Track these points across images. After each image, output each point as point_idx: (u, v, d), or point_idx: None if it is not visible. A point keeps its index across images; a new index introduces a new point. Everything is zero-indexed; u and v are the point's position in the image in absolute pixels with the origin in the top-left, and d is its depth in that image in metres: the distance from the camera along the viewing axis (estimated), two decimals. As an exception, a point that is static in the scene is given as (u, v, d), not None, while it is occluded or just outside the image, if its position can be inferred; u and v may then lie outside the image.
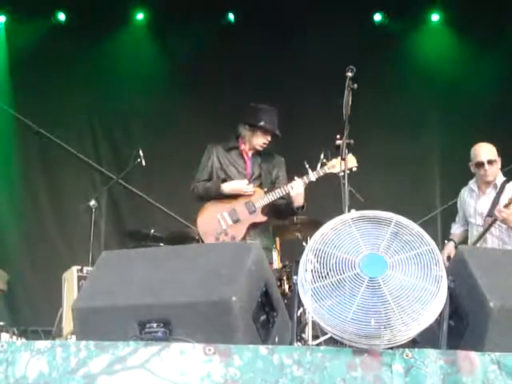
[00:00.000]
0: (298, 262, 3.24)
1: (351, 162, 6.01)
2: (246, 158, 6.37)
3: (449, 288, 3.14)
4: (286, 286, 6.94)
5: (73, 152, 9.68)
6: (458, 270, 3.52)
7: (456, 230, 6.66)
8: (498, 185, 6.28)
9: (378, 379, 2.90)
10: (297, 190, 6.10)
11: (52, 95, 9.50)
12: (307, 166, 6.13)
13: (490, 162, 6.22)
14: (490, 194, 6.32)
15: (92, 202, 8.06)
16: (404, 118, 9.53)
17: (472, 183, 6.49)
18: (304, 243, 6.96)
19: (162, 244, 7.60)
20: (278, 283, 6.94)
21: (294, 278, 3.29)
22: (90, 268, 7.16)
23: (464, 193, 6.57)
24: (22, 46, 9.59)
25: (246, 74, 9.56)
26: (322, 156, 7.35)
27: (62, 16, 9.80)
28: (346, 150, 4.91)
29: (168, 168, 9.44)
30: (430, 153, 9.76)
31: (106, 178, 9.50)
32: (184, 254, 3.94)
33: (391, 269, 3.07)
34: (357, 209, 3.77)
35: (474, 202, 6.41)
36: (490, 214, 6.18)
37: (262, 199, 6.16)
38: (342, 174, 5.86)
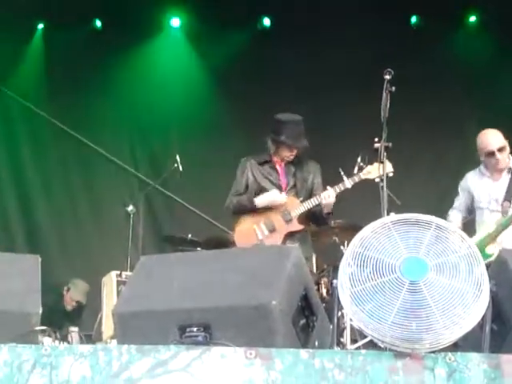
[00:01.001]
0: (335, 266, 3.23)
1: (388, 167, 5.99)
2: (279, 169, 6.38)
3: (491, 291, 3.11)
4: (324, 290, 6.92)
5: (110, 158, 9.74)
6: (499, 273, 3.49)
7: (456, 217, 6.41)
8: None
9: (421, 383, 2.88)
10: (330, 199, 6.09)
11: (89, 101, 9.57)
12: (342, 173, 6.10)
13: (501, 150, 6.13)
14: (504, 178, 6.22)
15: (130, 208, 8.11)
16: (442, 120, 9.45)
17: (482, 168, 6.37)
18: (342, 247, 6.93)
19: (199, 249, 7.60)
20: (316, 287, 6.94)
21: (334, 281, 3.28)
22: (128, 273, 7.19)
23: (473, 178, 6.40)
24: (59, 52, 9.65)
25: (282, 78, 9.56)
26: (359, 160, 7.33)
27: (98, 23, 9.88)
28: (385, 153, 4.88)
29: (205, 173, 9.46)
30: (470, 154, 9.66)
31: (144, 183, 9.55)
32: (223, 258, 3.95)
33: (432, 272, 3.05)
34: (395, 212, 3.76)
35: (487, 187, 6.28)
36: (508, 198, 6.09)
37: (298, 208, 6.15)
38: (378, 180, 5.87)
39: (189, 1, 9.93)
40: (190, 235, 7.97)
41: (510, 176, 6.20)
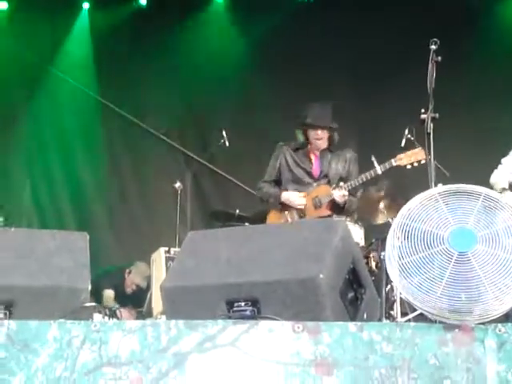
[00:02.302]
0: (384, 239, 3.20)
1: (420, 155, 6.00)
2: (313, 157, 6.42)
3: (541, 261, 3.07)
4: (373, 264, 6.89)
5: (157, 134, 9.78)
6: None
7: (502, 179, 6.32)
8: None
9: (471, 355, 2.86)
10: (342, 199, 6.16)
11: (136, 79, 9.60)
12: (373, 159, 6.09)
13: None
14: None
15: (177, 184, 8.14)
16: (492, 91, 9.31)
17: None
18: (390, 219, 6.89)
19: (247, 224, 7.60)
20: (365, 260, 6.91)
21: (382, 254, 3.27)
22: (177, 249, 7.22)
23: None
24: (105, 32, 9.69)
25: (324, 54, 9.49)
26: (406, 132, 7.28)
27: (143, 1, 9.90)
28: (432, 124, 4.82)
29: (251, 148, 9.43)
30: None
31: (191, 159, 9.58)
32: (270, 233, 3.95)
33: (481, 243, 3.02)
34: (443, 183, 3.72)
35: None
36: None
37: (329, 195, 6.21)
38: (410, 167, 5.89)
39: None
40: (237, 210, 7.99)
41: None
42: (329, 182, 6.32)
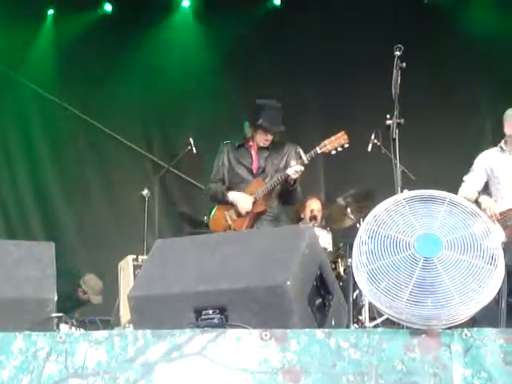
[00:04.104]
0: (351, 244, 3.21)
1: (343, 138, 6.02)
2: (253, 153, 6.38)
3: (506, 265, 3.09)
4: (341, 269, 6.92)
5: (124, 141, 9.75)
6: (515, 247, 3.47)
7: (471, 191, 6.40)
8: None
9: (437, 360, 2.87)
10: (297, 174, 6.04)
11: (101, 85, 9.57)
12: (299, 149, 6.09)
13: None
14: None
15: (145, 191, 8.13)
16: (458, 96, 9.40)
17: (503, 145, 6.40)
18: (358, 225, 6.93)
19: (215, 230, 7.60)
20: (333, 266, 6.93)
21: (349, 260, 3.27)
22: (145, 257, 7.20)
23: (492, 155, 6.47)
24: (70, 37, 9.67)
25: (293, 57, 9.54)
26: (372, 136, 7.34)
27: (108, 7, 9.87)
28: (397, 129, 4.85)
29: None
30: (481, 129, 9.63)
31: (158, 166, 9.55)
32: (237, 240, 3.95)
33: (446, 248, 3.03)
34: (409, 187, 3.74)
35: (508, 163, 6.30)
36: None
37: (262, 190, 6.18)
38: (334, 152, 5.91)
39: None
40: (205, 217, 7.98)
41: None
42: (265, 178, 6.26)
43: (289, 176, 6.01)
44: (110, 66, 9.60)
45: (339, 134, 6.03)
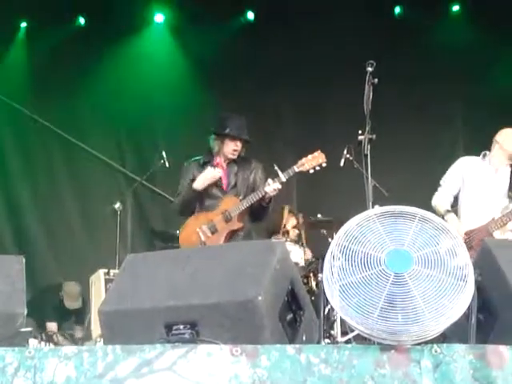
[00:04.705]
0: (324, 259, 3.21)
1: (320, 157, 6.06)
2: (221, 169, 6.30)
3: (476, 281, 3.10)
4: (313, 283, 6.94)
5: (97, 155, 9.71)
6: (484, 263, 3.48)
7: (444, 201, 6.36)
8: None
9: (407, 376, 2.87)
10: (275, 192, 6.03)
11: (74, 99, 9.55)
12: (276, 167, 6.09)
13: None
14: (505, 174, 6.23)
15: (117, 205, 8.11)
16: (429, 111, 9.47)
17: (488, 158, 6.32)
18: (330, 239, 6.95)
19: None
20: (305, 280, 6.95)
21: (320, 275, 3.27)
22: (116, 271, 7.18)
23: (473, 163, 6.37)
24: (43, 50, 9.61)
25: (267, 71, 9.58)
26: (345, 152, 7.37)
27: (82, 20, 9.85)
28: (369, 145, 4.87)
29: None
30: (454, 142, 9.71)
31: (131, 180, 9.53)
32: (209, 255, 3.93)
33: (417, 264, 3.04)
34: (381, 203, 3.75)
35: (488, 176, 6.27)
36: None
37: (237, 207, 6.12)
38: (312, 171, 5.94)
39: (172, -4, 9.94)
40: (177, 231, 7.96)
41: (510, 169, 6.23)
42: (237, 194, 6.23)
43: (266, 193, 5.99)
44: (83, 80, 9.57)
45: (316, 154, 6.05)
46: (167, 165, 8.02)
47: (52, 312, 8.19)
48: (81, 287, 8.38)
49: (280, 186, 6.00)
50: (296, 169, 6.04)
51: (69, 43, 9.62)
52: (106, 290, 7.08)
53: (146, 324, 3.52)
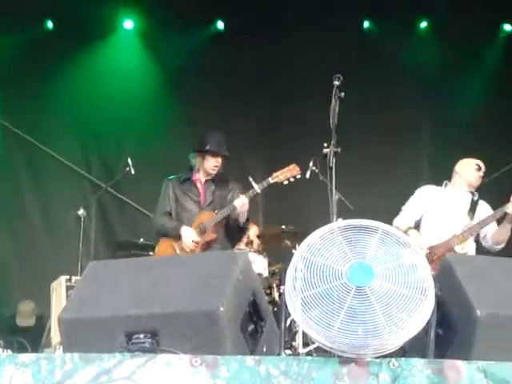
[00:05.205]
0: (286, 270, 3.22)
1: (295, 170, 6.25)
2: (199, 186, 6.43)
3: (436, 296, 3.13)
4: (276, 294, 6.94)
5: (62, 160, 9.64)
6: (444, 278, 3.51)
7: (406, 222, 6.42)
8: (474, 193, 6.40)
9: (365, 389, 2.89)
10: (244, 207, 6.17)
11: (40, 104, 9.45)
12: (251, 179, 6.21)
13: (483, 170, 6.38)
14: (465, 199, 6.38)
15: (81, 211, 8.05)
16: (392, 125, 9.53)
17: (452, 184, 6.47)
18: (294, 251, 6.96)
19: (151, 253, 7.56)
20: (268, 291, 6.95)
21: (282, 287, 3.28)
22: (78, 277, 7.12)
23: (434, 191, 6.52)
24: (9, 54, 9.51)
25: (235, 80, 9.59)
26: (311, 164, 7.39)
27: (50, 24, 9.78)
28: (334, 158, 4.89)
29: (157, 176, 9.36)
30: (419, 159, 9.79)
31: (96, 186, 9.47)
32: (172, 264, 3.92)
33: (378, 277, 3.06)
34: (346, 215, 3.77)
35: (450, 201, 6.39)
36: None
37: (212, 219, 6.22)
38: (286, 182, 6.09)
39: (142, 3, 9.89)
40: (141, 239, 7.94)
41: (471, 196, 6.37)
42: (213, 210, 6.30)
43: (235, 208, 6.12)
44: (49, 85, 9.49)
45: (291, 166, 6.25)
46: (133, 172, 7.99)
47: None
48: (34, 303, 8.27)
49: (247, 200, 6.12)
50: (271, 180, 6.20)
51: (36, 47, 9.52)
52: (67, 296, 7.01)
53: (107, 332, 3.50)
